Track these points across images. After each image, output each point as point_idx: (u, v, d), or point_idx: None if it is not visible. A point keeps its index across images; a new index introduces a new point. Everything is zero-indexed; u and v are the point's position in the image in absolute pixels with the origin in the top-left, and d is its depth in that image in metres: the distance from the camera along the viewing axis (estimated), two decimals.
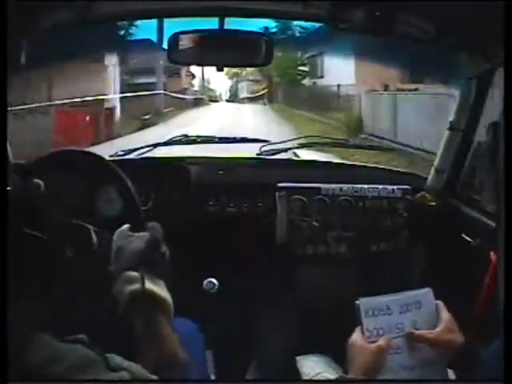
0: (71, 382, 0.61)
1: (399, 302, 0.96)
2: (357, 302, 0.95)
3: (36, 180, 1.19)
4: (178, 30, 1.33)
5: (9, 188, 0.75)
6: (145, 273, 0.85)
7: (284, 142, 2.07)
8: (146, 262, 0.87)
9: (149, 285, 0.85)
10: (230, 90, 28.90)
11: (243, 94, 26.34)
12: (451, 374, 0.96)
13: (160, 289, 0.87)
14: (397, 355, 0.93)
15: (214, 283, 1.78)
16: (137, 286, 0.84)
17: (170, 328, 0.86)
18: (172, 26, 1.47)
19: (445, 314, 0.96)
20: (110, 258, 0.93)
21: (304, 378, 1.26)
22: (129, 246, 0.91)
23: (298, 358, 1.37)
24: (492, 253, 1.25)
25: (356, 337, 0.93)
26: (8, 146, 1.61)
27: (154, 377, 0.72)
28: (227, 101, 26.32)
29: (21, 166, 1.36)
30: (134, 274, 0.86)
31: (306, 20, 1.43)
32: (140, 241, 0.91)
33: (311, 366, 1.31)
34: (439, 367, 0.95)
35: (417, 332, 0.94)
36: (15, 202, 0.77)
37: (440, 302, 0.99)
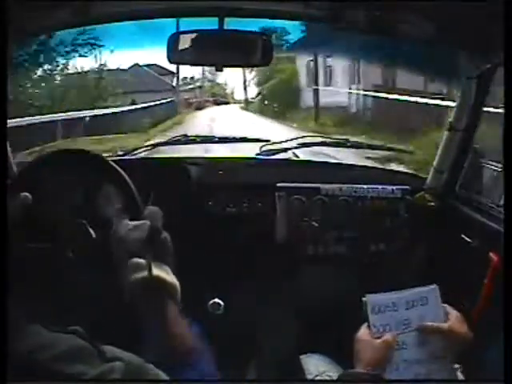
0: (73, 381, 0.60)
1: (405, 298, 0.97)
2: (363, 298, 0.97)
3: (23, 194, 1.19)
4: (178, 30, 1.33)
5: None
6: (151, 259, 0.85)
7: (283, 142, 2.07)
8: (149, 249, 0.87)
9: (156, 271, 0.85)
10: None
11: None
12: (457, 370, 0.97)
13: (167, 274, 0.87)
14: (403, 350, 0.95)
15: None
16: (145, 273, 0.84)
17: (179, 313, 0.86)
18: (172, 26, 1.47)
19: (452, 310, 0.98)
20: (111, 249, 0.93)
21: (308, 376, 1.27)
22: (130, 234, 0.91)
23: (302, 356, 1.38)
24: (492, 253, 1.25)
25: (363, 332, 0.96)
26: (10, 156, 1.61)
27: (155, 368, 0.70)
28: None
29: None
30: (141, 261, 0.86)
31: (306, 20, 1.43)
32: (141, 229, 0.91)
33: (316, 364, 1.31)
34: (446, 361, 0.96)
35: (430, 324, 0.95)
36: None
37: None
